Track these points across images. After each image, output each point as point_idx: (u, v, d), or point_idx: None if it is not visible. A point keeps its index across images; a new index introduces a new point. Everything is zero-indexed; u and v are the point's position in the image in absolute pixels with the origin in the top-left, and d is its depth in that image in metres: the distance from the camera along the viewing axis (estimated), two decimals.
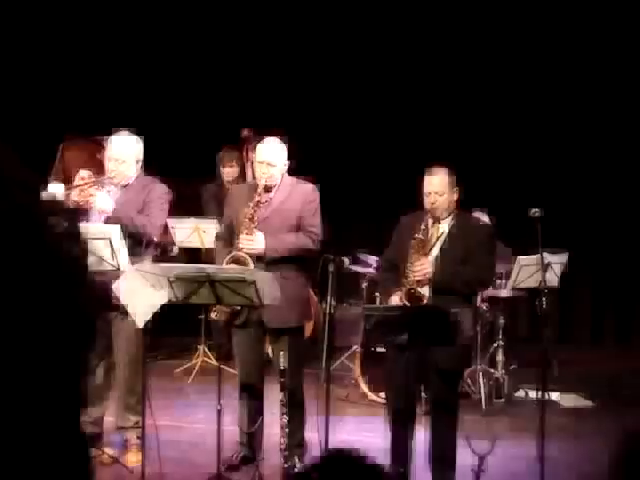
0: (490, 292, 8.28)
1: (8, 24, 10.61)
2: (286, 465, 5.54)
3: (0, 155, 1.79)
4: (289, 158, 6.13)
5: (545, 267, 6.27)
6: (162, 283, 5.43)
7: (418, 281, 5.61)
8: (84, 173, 6.26)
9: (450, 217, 5.76)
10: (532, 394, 8.04)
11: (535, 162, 10.85)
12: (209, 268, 5.47)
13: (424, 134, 10.56)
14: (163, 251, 8.31)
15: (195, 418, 7.34)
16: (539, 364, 6.11)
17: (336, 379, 7.76)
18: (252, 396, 6.18)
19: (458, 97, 10.88)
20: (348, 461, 1.74)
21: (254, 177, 6.44)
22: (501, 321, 8.31)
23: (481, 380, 8.05)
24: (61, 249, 1.78)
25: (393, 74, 11.00)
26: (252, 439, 6.16)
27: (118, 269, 5.76)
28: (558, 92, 10.81)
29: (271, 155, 6.04)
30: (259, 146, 6.20)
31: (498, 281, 8.33)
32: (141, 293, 5.55)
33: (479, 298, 8.02)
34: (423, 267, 5.60)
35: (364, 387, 8.09)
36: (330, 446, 5.30)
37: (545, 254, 6.22)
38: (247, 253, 5.89)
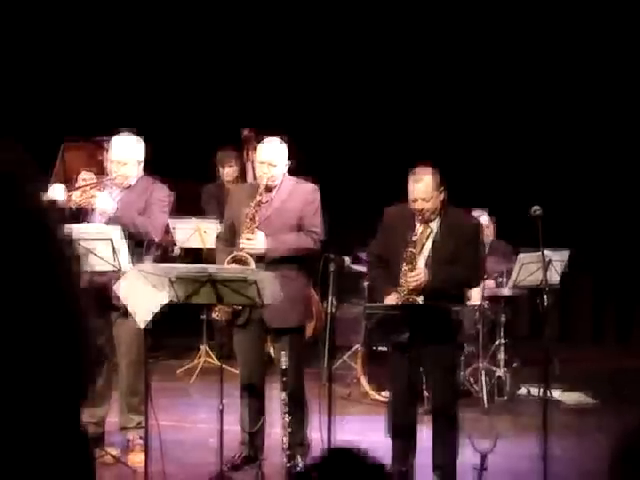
0: (492, 291, 8.28)
1: (9, 26, 10.62)
2: (288, 465, 5.54)
3: (4, 150, 1.79)
4: (289, 158, 6.14)
5: (546, 265, 6.26)
6: (163, 283, 5.43)
7: (413, 289, 5.60)
8: (86, 174, 6.27)
9: (439, 217, 5.74)
10: (534, 392, 8.04)
11: (536, 161, 10.85)
12: (210, 268, 5.47)
13: (425, 134, 10.56)
14: (164, 251, 8.31)
15: (197, 418, 7.35)
16: (541, 362, 6.11)
17: (338, 378, 7.76)
18: (254, 396, 6.18)
19: (460, 97, 10.88)
20: (349, 459, 1.74)
21: (255, 177, 6.44)
22: (503, 319, 8.32)
23: (483, 378, 8.06)
24: (62, 251, 1.78)
25: (393, 72, 11.01)
26: (254, 439, 6.16)
27: (119, 270, 5.77)
28: (558, 90, 10.82)
29: (272, 155, 6.04)
30: (260, 146, 6.20)
31: (499, 279, 8.34)
32: (142, 293, 5.55)
33: (480, 296, 8.04)
34: (418, 277, 5.59)
35: (366, 386, 8.09)
36: (332, 445, 5.30)
37: (546, 252, 6.22)
38: (248, 253, 5.90)
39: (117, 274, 5.76)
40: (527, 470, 6.03)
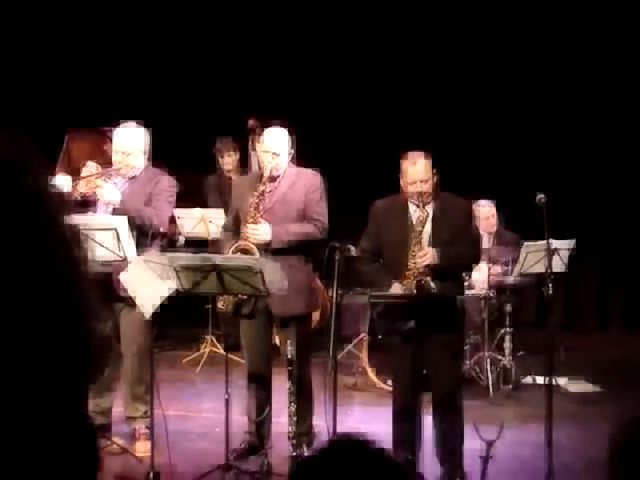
0: (497, 279, 8.28)
1: (12, 16, 10.62)
2: (294, 453, 5.55)
3: (7, 139, 1.79)
4: (294, 147, 6.13)
5: (552, 253, 6.26)
6: (168, 273, 5.44)
7: (421, 272, 5.61)
8: (91, 165, 6.28)
9: (433, 201, 5.76)
10: (539, 380, 8.05)
11: (540, 149, 10.83)
12: (215, 257, 5.48)
13: (429, 123, 10.54)
14: (169, 241, 8.32)
15: (203, 407, 7.36)
16: (546, 350, 6.12)
17: (343, 367, 7.77)
18: (260, 385, 6.19)
19: (464, 86, 10.86)
20: (355, 447, 1.75)
21: (259, 167, 6.45)
22: (508, 308, 8.31)
23: (488, 367, 8.07)
24: (64, 237, 1.78)
25: (397, 59, 10.98)
26: (260, 428, 6.17)
27: (125, 260, 5.77)
28: (562, 78, 10.79)
29: (276, 144, 6.04)
30: (264, 136, 6.20)
31: (505, 267, 8.33)
32: (148, 284, 5.56)
33: (486, 284, 8.04)
34: (427, 255, 5.59)
35: (371, 375, 8.10)
36: (337, 434, 5.31)
37: (552, 240, 6.21)
38: (252, 243, 5.90)
39: (123, 264, 5.77)
40: (532, 458, 6.04)
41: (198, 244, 8.90)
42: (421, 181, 5.64)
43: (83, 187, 6.11)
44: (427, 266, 5.60)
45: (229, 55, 11.08)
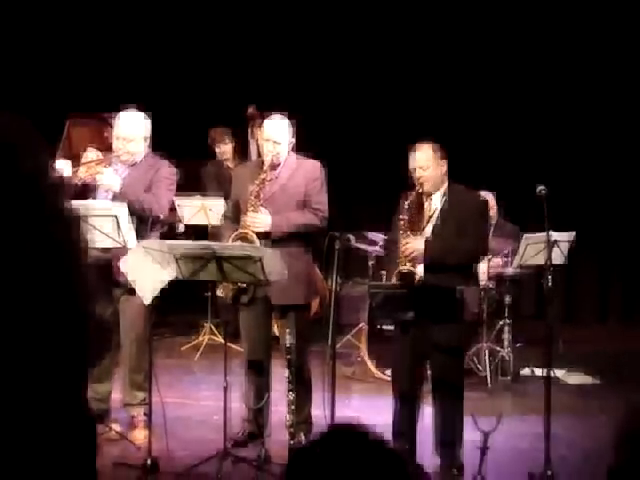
0: (496, 270, 8.28)
1: (14, 3, 10.59)
2: (292, 442, 5.56)
3: (7, 121, 1.79)
4: (294, 135, 6.12)
5: (552, 245, 6.25)
6: (168, 260, 5.44)
7: (411, 260, 5.61)
8: (91, 151, 6.26)
9: (442, 190, 5.75)
10: (538, 372, 8.05)
11: (541, 141, 10.82)
12: (215, 245, 5.47)
13: (430, 113, 10.53)
14: (170, 229, 8.33)
15: (201, 395, 7.37)
16: (545, 342, 6.12)
17: (342, 357, 7.78)
18: (259, 373, 6.19)
19: (465, 77, 10.85)
20: (352, 435, 1.74)
21: (259, 154, 6.44)
22: (507, 299, 8.31)
23: (487, 358, 8.07)
24: (62, 221, 1.78)
25: (400, 50, 10.96)
26: (258, 416, 6.18)
27: (124, 247, 5.77)
28: (563, 70, 10.77)
29: (276, 133, 6.04)
30: (264, 124, 6.19)
31: (505, 259, 8.32)
32: (147, 270, 5.56)
33: (485, 276, 8.03)
34: (409, 246, 5.59)
35: (370, 365, 8.11)
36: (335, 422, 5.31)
37: (551, 232, 6.21)
38: (253, 231, 5.90)
39: (122, 251, 5.77)
40: (530, 449, 6.05)
41: (198, 232, 8.90)
42: (420, 167, 5.65)
43: (83, 173, 6.10)
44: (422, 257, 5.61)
45: (228, 42, 11.06)
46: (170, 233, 8.32)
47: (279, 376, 6.01)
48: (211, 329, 9.13)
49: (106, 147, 6.47)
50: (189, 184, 8.40)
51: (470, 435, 5.47)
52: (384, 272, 6.18)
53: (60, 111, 9.50)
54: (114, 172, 6.20)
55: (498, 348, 8.24)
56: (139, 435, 6.13)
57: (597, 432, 6.26)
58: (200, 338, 9.12)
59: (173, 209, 8.11)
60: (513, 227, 8.66)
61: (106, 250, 5.91)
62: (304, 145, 6.30)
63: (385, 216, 6.35)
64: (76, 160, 6.29)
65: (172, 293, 5.79)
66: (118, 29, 10.93)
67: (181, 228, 9.09)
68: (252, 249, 5.50)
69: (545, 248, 6.25)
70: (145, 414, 6.04)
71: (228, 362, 5.69)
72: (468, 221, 5.69)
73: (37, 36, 10.75)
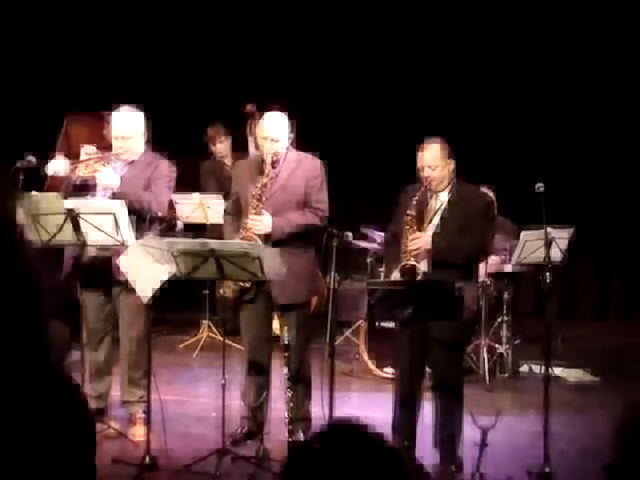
0: (495, 267, 8.28)
1: (12, 0, 10.58)
2: (290, 439, 5.56)
3: None
4: (293, 131, 6.11)
5: (549, 242, 6.26)
6: (166, 258, 5.44)
7: (415, 255, 5.61)
8: (89, 149, 6.26)
9: (448, 188, 5.76)
10: (536, 369, 8.06)
11: (539, 137, 10.82)
12: (213, 243, 5.47)
13: (428, 109, 10.52)
14: (168, 227, 8.33)
15: (199, 392, 7.37)
16: (543, 339, 6.12)
17: (340, 354, 7.78)
18: (259, 371, 6.19)
19: (464, 73, 10.84)
20: (351, 432, 1.75)
21: (256, 147, 6.44)
22: (505, 296, 8.32)
23: (485, 355, 8.07)
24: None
25: (400, 47, 10.95)
26: (257, 413, 6.18)
27: (123, 244, 5.77)
28: (561, 67, 10.77)
29: (274, 130, 6.02)
30: (261, 122, 6.18)
31: (503, 256, 8.32)
32: (145, 268, 5.56)
33: (484, 273, 8.03)
34: (417, 241, 5.60)
35: (369, 362, 8.11)
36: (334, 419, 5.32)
37: (549, 229, 6.21)
38: (255, 233, 5.89)
39: (121, 249, 5.77)
40: (528, 446, 6.05)
41: (197, 229, 8.89)
42: (429, 166, 5.65)
43: (82, 171, 6.10)
44: (427, 252, 5.61)
45: (225, 39, 11.05)
46: (169, 230, 8.32)
47: (278, 374, 6.01)
48: (209, 327, 9.13)
49: (104, 145, 6.47)
50: (187, 182, 8.39)
51: (469, 432, 5.48)
52: (382, 269, 6.18)
53: (58, 109, 9.49)
54: (112, 170, 6.20)
55: (496, 345, 8.25)
56: (138, 432, 6.14)
57: (596, 428, 6.27)
58: (198, 336, 9.12)
59: (172, 206, 8.11)
60: (510, 224, 8.66)
61: (105, 248, 5.92)
62: (303, 142, 6.30)
63: (384, 213, 6.36)
64: (75, 158, 6.29)
65: (170, 291, 5.79)
66: (116, 27, 10.91)
67: (180, 225, 9.09)
68: (250, 246, 5.49)
69: (543, 245, 6.25)
70: (144, 411, 6.04)
71: (226, 359, 5.69)
72: (473, 219, 5.69)
73: (35, 34, 10.73)
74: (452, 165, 5.74)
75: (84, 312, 6.27)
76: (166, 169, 6.33)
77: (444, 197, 5.74)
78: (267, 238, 5.92)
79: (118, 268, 5.78)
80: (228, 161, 9.40)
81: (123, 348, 6.26)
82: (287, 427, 5.58)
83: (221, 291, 6.05)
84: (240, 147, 9.42)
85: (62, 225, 5.72)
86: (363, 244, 8.55)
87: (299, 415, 5.94)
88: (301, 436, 5.77)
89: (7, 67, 10.25)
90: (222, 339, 6.04)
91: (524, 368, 8.36)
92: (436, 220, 5.72)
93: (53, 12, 10.78)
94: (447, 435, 5.72)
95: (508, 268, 8.27)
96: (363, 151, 10.84)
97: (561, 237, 7.19)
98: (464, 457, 5.66)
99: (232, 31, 11.03)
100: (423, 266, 5.63)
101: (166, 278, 5.55)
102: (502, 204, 8.82)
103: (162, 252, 5.45)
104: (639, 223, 10.84)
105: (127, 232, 5.80)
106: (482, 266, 7.87)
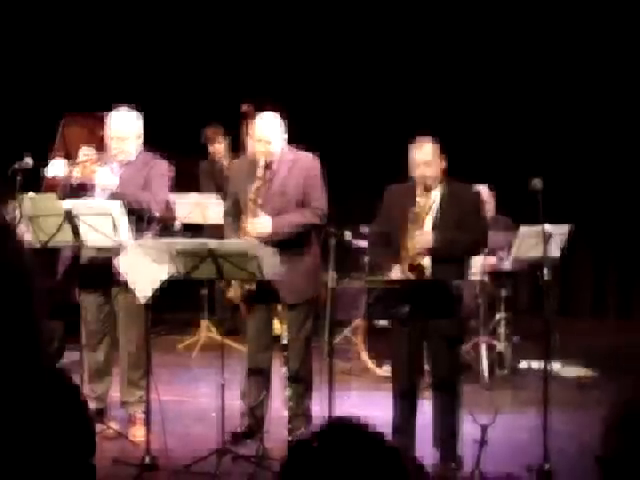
0: (492, 265, 8.28)
1: (10, 1, 10.58)
2: (290, 438, 5.57)
3: None
4: (288, 132, 6.10)
5: (547, 239, 6.26)
6: (164, 258, 5.44)
7: (418, 253, 5.62)
8: (86, 150, 6.26)
9: (440, 185, 5.77)
10: (534, 366, 8.06)
11: (536, 134, 10.82)
12: (211, 243, 5.47)
13: (424, 107, 10.53)
14: (165, 227, 8.33)
15: (198, 392, 7.38)
16: (541, 336, 6.13)
17: (339, 353, 7.78)
18: (260, 370, 6.18)
19: (459, 71, 10.85)
20: (350, 429, 1.75)
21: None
22: (503, 293, 8.32)
23: (483, 352, 8.07)
24: None
25: (394, 46, 10.96)
26: (257, 412, 6.18)
27: (120, 245, 5.77)
28: (558, 63, 10.77)
29: (267, 132, 6.00)
30: (255, 123, 6.16)
31: (501, 253, 8.33)
32: (143, 268, 5.56)
33: (481, 270, 8.04)
34: (424, 237, 5.60)
35: (367, 360, 8.11)
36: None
37: (546, 226, 6.21)
38: (254, 236, 5.88)
39: (118, 250, 5.77)
40: (527, 443, 6.05)
41: (195, 230, 8.89)
42: (425, 163, 5.65)
43: (79, 172, 6.10)
44: (428, 249, 5.62)
45: (221, 39, 11.05)
46: (166, 231, 8.32)
47: (278, 373, 6.02)
48: (208, 327, 9.13)
49: (101, 146, 6.47)
50: (185, 182, 8.39)
51: (468, 429, 5.49)
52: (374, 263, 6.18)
53: (55, 110, 9.48)
54: (109, 171, 6.20)
55: (494, 342, 8.25)
56: (137, 433, 6.15)
57: (594, 425, 6.25)
58: (197, 335, 9.12)
59: (169, 207, 8.10)
60: (507, 221, 8.66)
61: (103, 249, 5.92)
62: (298, 140, 6.29)
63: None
64: (72, 159, 6.29)
65: (169, 291, 5.79)
66: (113, 28, 10.91)
67: (178, 226, 9.08)
68: (248, 245, 5.49)
69: (541, 242, 6.26)
70: (143, 412, 6.04)
71: (226, 359, 5.70)
72: (468, 215, 5.71)
73: (32, 36, 10.73)
74: (443, 163, 5.74)
75: (83, 313, 6.28)
76: (163, 169, 6.33)
77: (436, 195, 5.74)
78: (267, 240, 5.91)
79: (116, 268, 5.78)
80: (226, 162, 9.39)
81: (122, 349, 6.27)
82: (287, 426, 5.59)
83: (228, 294, 6.07)
84: (238, 148, 9.41)
85: (60, 226, 5.73)
86: (362, 243, 8.55)
87: (299, 411, 5.94)
88: (300, 435, 5.77)
89: (4, 68, 10.24)
90: (221, 339, 6.04)
91: (523, 365, 8.36)
92: (430, 218, 5.71)
93: (50, 13, 10.78)
94: (446, 432, 5.72)
95: (506, 266, 8.27)
96: (362, 150, 10.84)
97: (558, 233, 7.19)
98: (464, 454, 5.66)
99: (229, 31, 11.04)
100: (427, 262, 5.64)
101: (165, 278, 5.56)
102: (500, 202, 8.85)
103: (160, 252, 5.45)
104: (637, 220, 10.85)
105: (125, 233, 5.80)
106: (480, 264, 7.89)
